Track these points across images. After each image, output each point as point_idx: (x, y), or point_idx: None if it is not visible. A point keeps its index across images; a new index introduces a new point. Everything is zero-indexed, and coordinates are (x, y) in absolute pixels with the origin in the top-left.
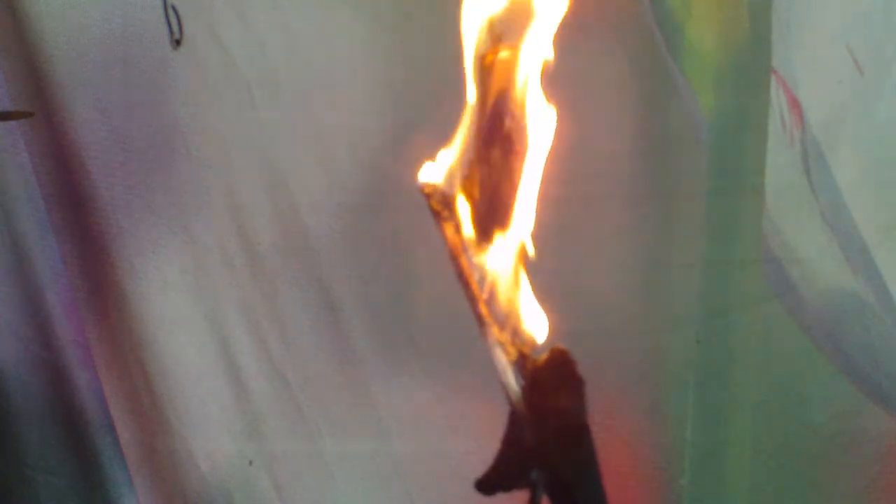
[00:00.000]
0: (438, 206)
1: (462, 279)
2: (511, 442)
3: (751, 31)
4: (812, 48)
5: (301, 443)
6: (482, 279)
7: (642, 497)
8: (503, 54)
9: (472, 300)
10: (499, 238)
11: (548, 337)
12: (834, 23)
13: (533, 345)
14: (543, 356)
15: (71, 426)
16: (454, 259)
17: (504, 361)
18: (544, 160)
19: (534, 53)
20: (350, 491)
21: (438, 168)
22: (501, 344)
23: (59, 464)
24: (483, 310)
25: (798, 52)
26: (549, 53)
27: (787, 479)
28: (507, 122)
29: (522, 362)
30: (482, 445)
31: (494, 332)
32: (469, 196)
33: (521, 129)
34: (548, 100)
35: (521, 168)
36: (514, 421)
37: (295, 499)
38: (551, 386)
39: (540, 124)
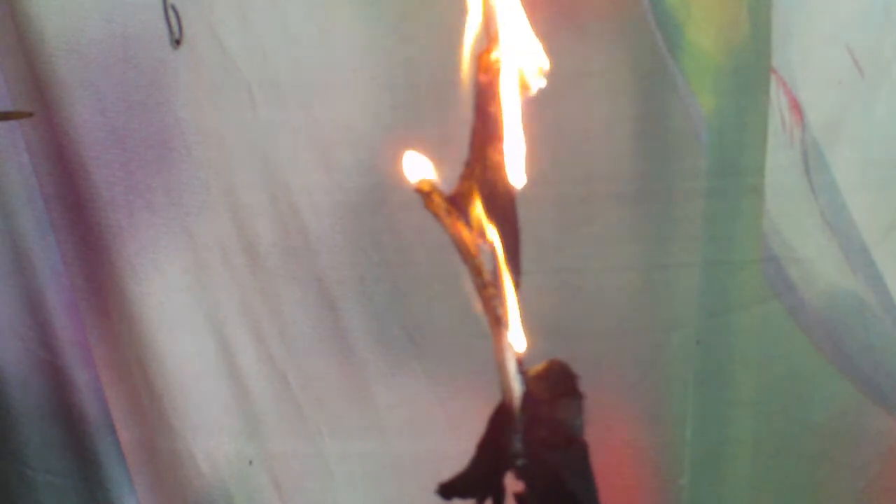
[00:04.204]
0: (444, 204)
1: (478, 279)
2: (487, 449)
3: (751, 31)
4: (812, 48)
5: (301, 443)
6: (492, 278)
7: (642, 497)
8: (498, 53)
9: (489, 300)
10: (496, 236)
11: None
12: (834, 23)
13: (519, 354)
14: (540, 366)
15: (71, 426)
16: (468, 259)
17: (514, 365)
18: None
19: (530, 53)
20: (350, 491)
21: (433, 167)
22: (511, 347)
23: (59, 464)
24: (500, 310)
25: (798, 52)
26: (543, 52)
27: (787, 479)
28: (502, 121)
29: (521, 368)
30: None
31: (506, 333)
32: (468, 194)
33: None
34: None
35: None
36: (495, 428)
37: (295, 499)
38: (546, 397)
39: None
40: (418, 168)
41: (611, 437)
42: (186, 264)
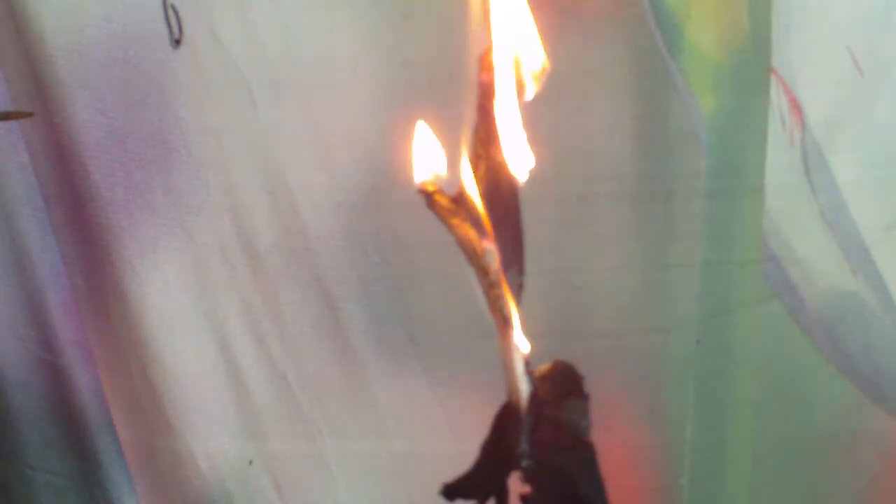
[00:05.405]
0: (449, 205)
1: (485, 279)
2: (492, 449)
3: (751, 31)
4: (812, 48)
5: (301, 443)
6: (497, 278)
7: (642, 497)
8: (499, 52)
9: (496, 300)
10: (500, 236)
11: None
12: (834, 23)
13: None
14: (546, 367)
15: (71, 426)
16: (474, 259)
17: (521, 366)
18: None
19: (530, 52)
20: (350, 491)
21: (437, 168)
22: (518, 347)
23: (59, 464)
24: (508, 311)
25: (798, 52)
26: (543, 52)
27: (787, 479)
28: (504, 121)
29: (528, 368)
30: None
31: (514, 333)
32: (470, 195)
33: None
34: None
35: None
36: (500, 428)
37: (295, 499)
38: (551, 397)
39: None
40: (430, 155)
41: (611, 437)
42: (186, 264)
